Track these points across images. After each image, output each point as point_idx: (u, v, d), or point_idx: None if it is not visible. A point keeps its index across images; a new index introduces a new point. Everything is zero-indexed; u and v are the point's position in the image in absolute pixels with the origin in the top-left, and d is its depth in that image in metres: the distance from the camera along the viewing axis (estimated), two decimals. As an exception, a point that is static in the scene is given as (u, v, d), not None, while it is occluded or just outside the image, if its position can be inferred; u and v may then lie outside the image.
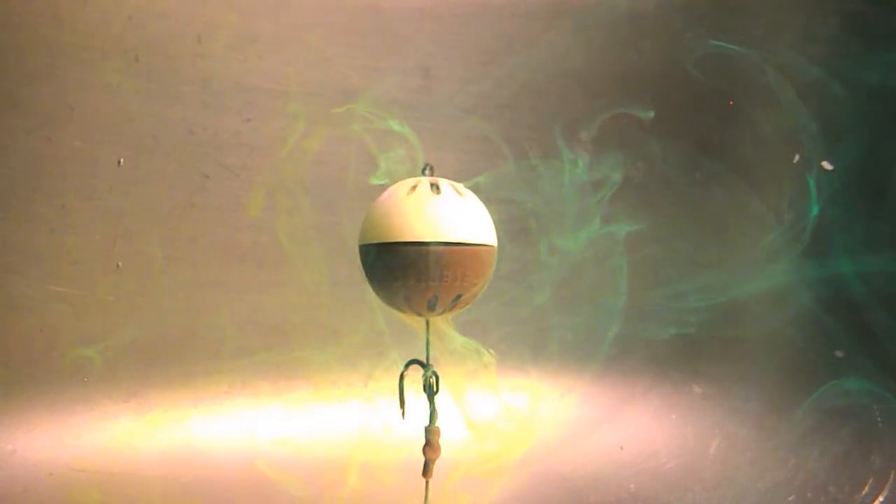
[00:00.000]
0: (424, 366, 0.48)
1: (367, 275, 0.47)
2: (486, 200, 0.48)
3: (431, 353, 0.49)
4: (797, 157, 0.84)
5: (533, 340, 0.88)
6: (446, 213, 0.45)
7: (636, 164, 0.91)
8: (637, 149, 0.88)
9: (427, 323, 0.48)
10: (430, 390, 0.48)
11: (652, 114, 0.82)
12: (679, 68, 0.85)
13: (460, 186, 0.47)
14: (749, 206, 0.90)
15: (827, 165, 0.81)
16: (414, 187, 0.46)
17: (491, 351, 0.55)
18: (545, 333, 0.87)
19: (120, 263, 0.78)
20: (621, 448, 0.87)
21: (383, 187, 0.48)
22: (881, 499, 0.76)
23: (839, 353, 0.86)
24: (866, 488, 0.78)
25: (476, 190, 0.48)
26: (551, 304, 0.86)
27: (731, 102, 0.93)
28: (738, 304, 0.85)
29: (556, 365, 0.90)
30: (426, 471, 0.49)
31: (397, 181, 0.48)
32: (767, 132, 0.90)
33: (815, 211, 0.80)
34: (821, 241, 0.81)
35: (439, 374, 0.49)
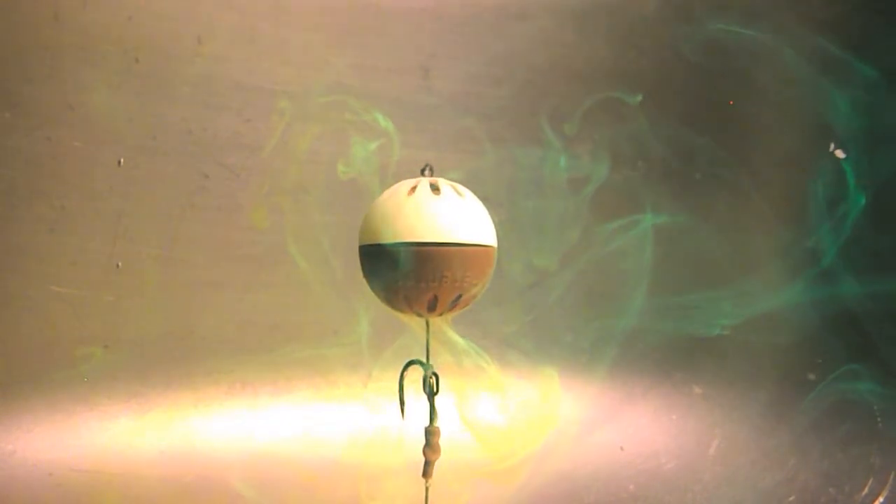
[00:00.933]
0: (425, 366, 0.48)
1: (366, 275, 0.47)
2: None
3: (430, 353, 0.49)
4: (832, 146, 0.82)
5: (538, 341, 0.88)
6: (446, 213, 0.45)
7: (637, 163, 0.91)
8: (651, 144, 0.88)
9: (427, 323, 0.48)
10: (430, 390, 0.48)
11: (640, 97, 0.81)
12: (684, 61, 0.85)
13: (460, 187, 0.47)
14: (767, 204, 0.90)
15: (840, 153, 0.79)
16: (414, 188, 0.46)
17: (490, 360, 0.55)
18: (550, 333, 0.87)
19: (120, 263, 0.78)
20: (621, 448, 0.87)
21: (353, 180, 0.48)
22: (881, 499, 0.76)
23: (811, 377, 0.86)
24: (866, 488, 0.78)
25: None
26: (560, 302, 0.86)
27: (731, 102, 0.93)
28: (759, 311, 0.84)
29: (559, 366, 0.89)
30: (426, 471, 0.49)
31: (366, 175, 0.48)
32: (795, 121, 0.88)
33: (861, 200, 0.76)
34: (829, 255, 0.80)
35: (442, 377, 0.49)
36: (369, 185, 0.49)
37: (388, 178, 0.51)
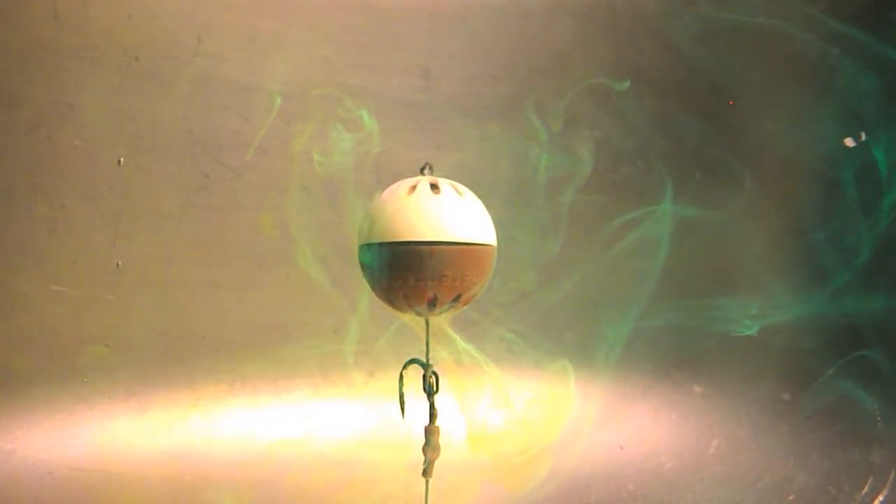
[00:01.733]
0: (424, 365, 0.48)
1: (366, 274, 0.47)
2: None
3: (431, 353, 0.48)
4: (863, 135, 0.79)
5: (540, 340, 0.88)
6: (446, 212, 0.45)
7: (637, 162, 0.91)
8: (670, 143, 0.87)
9: (427, 323, 0.48)
10: (430, 390, 0.48)
11: (627, 83, 0.81)
12: (687, 56, 0.84)
13: (460, 186, 0.47)
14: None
15: (849, 142, 0.77)
16: (413, 187, 0.46)
17: (489, 361, 0.55)
18: (554, 333, 0.87)
19: (120, 263, 0.78)
20: (621, 448, 0.87)
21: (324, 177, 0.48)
22: (881, 498, 0.76)
23: (786, 396, 0.85)
24: (866, 488, 0.78)
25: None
26: (562, 302, 0.85)
27: (731, 102, 0.93)
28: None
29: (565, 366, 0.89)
30: (426, 470, 0.49)
31: (343, 167, 0.48)
32: (815, 111, 0.86)
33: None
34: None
35: (442, 376, 0.49)
36: (363, 183, 0.49)
37: (365, 172, 0.50)
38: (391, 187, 0.47)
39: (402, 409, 0.49)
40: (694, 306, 0.86)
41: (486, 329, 0.75)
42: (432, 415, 0.49)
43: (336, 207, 0.81)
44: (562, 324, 0.86)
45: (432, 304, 0.45)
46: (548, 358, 0.80)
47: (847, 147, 0.79)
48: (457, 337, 0.52)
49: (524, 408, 0.81)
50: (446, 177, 0.47)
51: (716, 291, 0.91)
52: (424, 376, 0.48)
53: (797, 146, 0.91)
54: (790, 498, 0.78)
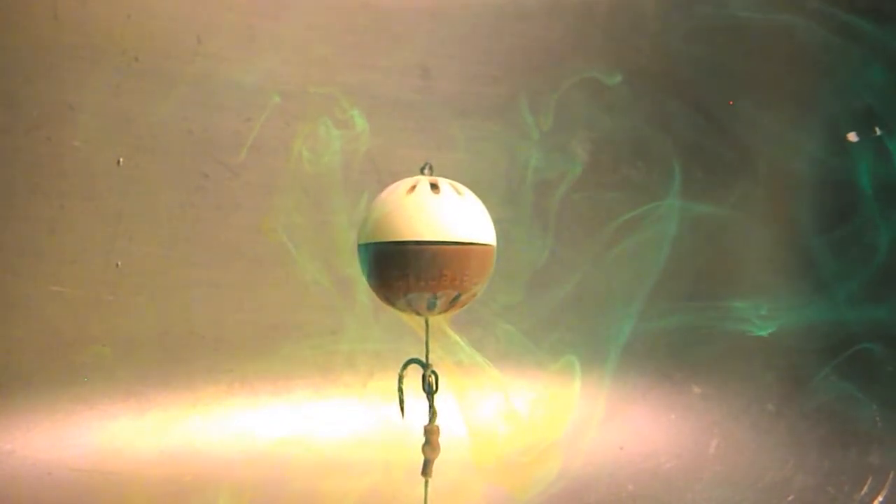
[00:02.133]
0: (424, 365, 0.48)
1: (366, 274, 0.47)
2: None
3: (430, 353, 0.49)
4: (877, 130, 0.78)
5: (541, 340, 0.88)
6: (445, 212, 0.45)
7: (637, 164, 0.91)
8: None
9: (427, 322, 0.48)
10: (430, 389, 0.48)
11: (619, 78, 0.81)
12: (690, 54, 0.84)
13: (460, 186, 0.47)
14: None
15: (853, 137, 0.77)
16: (413, 187, 0.46)
17: (491, 365, 0.55)
18: (555, 333, 0.87)
19: (120, 263, 0.78)
20: (621, 448, 0.87)
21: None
22: (880, 499, 0.76)
23: (770, 407, 0.85)
24: (866, 488, 0.78)
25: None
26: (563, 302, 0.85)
27: (731, 102, 0.93)
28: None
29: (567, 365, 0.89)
30: (425, 470, 0.49)
31: (332, 165, 0.48)
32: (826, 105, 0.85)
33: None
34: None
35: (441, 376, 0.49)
36: (352, 180, 0.49)
37: (355, 169, 0.50)
38: (391, 187, 0.47)
39: (402, 409, 0.49)
40: (695, 307, 0.86)
41: (486, 328, 0.75)
42: (432, 414, 0.49)
43: (332, 205, 0.81)
44: (563, 324, 0.86)
45: (432, 303, 0.45)
46: (550, 357, 0.80)
47: (850, 142, 0.79)
48: (457, 337, 0.52)
49: (527, 408, 0.81)
50: (446, 176, 0.47)
51: (718, 292, 0.91)
52: (424, 376, 0.48)
53: (799, 145, 0.91)
54: (790, 498, 0.78)
